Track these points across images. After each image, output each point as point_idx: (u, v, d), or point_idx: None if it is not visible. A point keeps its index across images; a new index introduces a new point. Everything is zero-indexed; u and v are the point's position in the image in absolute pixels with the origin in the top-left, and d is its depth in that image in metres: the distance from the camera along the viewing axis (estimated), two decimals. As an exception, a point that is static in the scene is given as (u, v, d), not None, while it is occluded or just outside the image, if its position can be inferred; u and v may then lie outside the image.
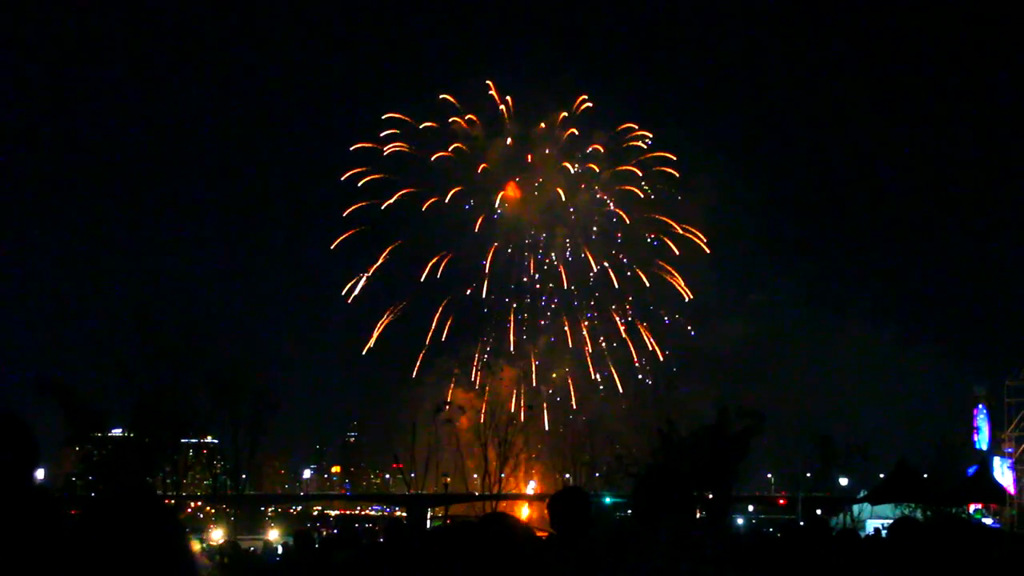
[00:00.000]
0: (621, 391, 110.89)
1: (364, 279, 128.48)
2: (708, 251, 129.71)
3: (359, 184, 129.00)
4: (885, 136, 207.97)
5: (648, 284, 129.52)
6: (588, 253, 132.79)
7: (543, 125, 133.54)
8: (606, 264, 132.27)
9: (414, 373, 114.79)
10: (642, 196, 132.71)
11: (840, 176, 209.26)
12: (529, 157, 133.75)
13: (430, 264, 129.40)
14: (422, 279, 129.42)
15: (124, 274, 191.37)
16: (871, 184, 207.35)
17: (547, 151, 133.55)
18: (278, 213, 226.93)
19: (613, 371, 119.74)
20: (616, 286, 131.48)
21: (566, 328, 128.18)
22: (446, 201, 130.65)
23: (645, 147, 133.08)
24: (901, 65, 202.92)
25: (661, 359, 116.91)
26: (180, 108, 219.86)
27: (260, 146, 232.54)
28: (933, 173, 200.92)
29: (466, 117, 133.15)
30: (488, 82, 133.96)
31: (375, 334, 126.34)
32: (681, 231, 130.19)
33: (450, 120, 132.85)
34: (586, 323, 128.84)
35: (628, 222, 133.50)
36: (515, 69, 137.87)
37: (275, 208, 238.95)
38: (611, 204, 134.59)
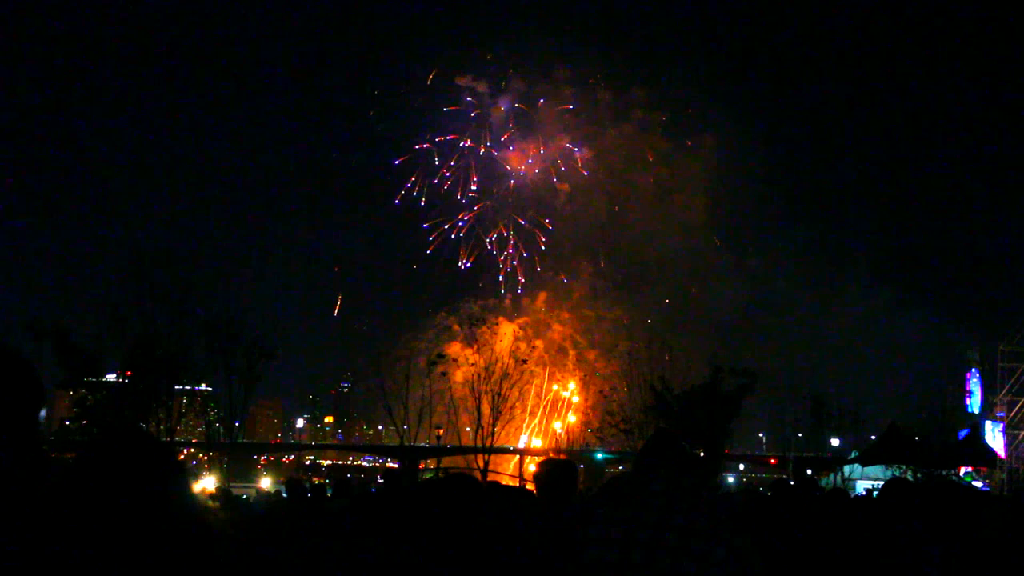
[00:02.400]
0: (616, 347, 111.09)
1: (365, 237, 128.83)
2: (718, 243, 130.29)
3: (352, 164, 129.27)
4: (883, 101, 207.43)
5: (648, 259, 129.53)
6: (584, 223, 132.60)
7: (542, 102, 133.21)
8: (602, 246, 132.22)
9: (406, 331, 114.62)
10: (651, 180, 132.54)
11: (837, 140, 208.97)
12: (532, 146, 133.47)
13: (426, 225, 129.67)
14: (420, 233, 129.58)
15: (120, 218, 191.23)
16: (868, 148, 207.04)
17: (549, 128, 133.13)
18: (276, 158, 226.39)
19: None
20: (616, 257, 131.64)
21: (564, 281, 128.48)
22: (447, 168, 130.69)
23: (660, 130, 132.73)
24: (898, 28, 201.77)
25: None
26: (179, 61, 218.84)
27: (260, 100, 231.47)
28: (929, 140, 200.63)
29: (466, 98, 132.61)
30: (488, 56, 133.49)
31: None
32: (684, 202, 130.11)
33: (453, 105, 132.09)
34: (581, 281, 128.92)
35: (631, 197, 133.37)
36: (517, 44, 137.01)
37: (273, 153, 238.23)
38: (613, 179, 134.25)
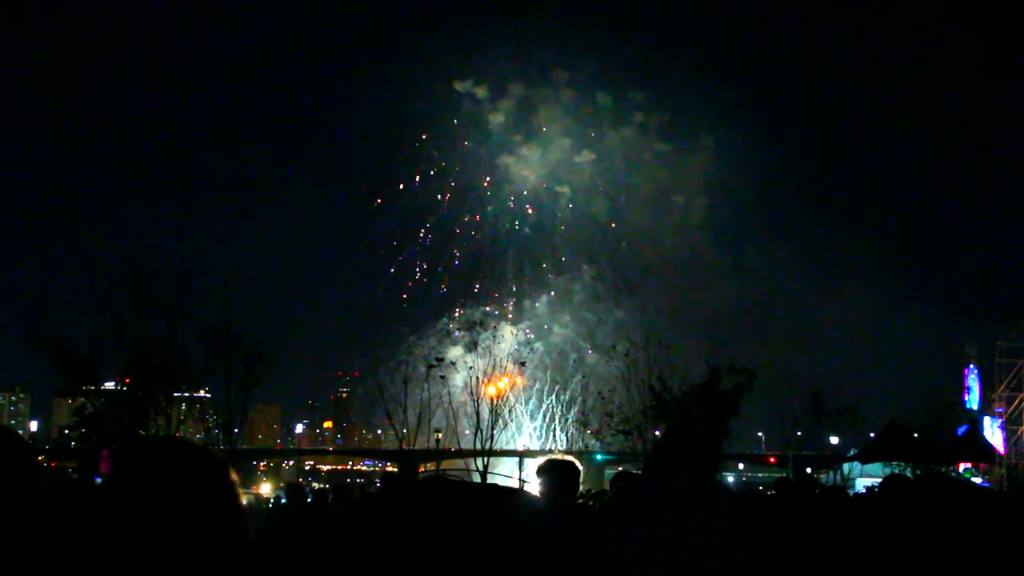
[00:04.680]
0: (615, 348, 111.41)
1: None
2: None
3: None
4: (879, 100, 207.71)
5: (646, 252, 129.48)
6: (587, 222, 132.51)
7: (542, 115, 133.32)
8: (603, 248, 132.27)
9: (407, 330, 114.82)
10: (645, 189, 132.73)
11: (836, 139, 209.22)
12: (527, 149, 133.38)
13: (428, 225, 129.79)
14: (421, 239, 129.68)
15: (117, 224, 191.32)
16: (866, 147, 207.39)
17: (547, 135, 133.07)
18: (275, 166, 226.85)
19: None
20: (614, 255, 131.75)
21: (563, 285, 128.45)
22: (453, 171, 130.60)
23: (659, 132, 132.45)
24: (895, 26, 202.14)
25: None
26: (178, 72, 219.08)
27: (259, 106, 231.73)
28: (927, 138, 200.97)
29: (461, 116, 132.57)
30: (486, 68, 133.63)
31: None
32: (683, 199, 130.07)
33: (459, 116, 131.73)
34: (582, 284, 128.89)
35: (626, 200, 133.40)
36: (515, 49, 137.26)
37: (272, 161, 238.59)
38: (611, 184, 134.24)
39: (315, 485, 79.55)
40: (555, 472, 6.89)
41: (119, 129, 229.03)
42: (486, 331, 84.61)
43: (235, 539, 3.09)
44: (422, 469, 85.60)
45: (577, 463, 7.18)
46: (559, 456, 7.31)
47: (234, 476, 3.19)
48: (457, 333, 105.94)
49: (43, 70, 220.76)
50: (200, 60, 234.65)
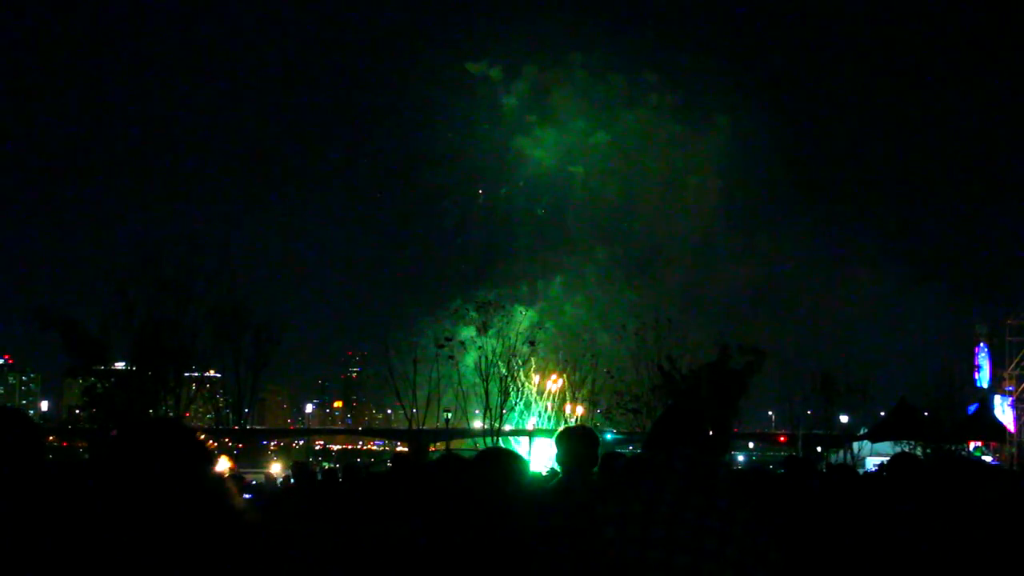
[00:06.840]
0: (624, 328, 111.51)
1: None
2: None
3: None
4: (894, 83, 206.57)
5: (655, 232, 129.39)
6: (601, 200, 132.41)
7: (556, 96, 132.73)
8: (617, 229, 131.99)
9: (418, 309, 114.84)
10: (656, 167, 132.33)
11: (846, 119, 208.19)
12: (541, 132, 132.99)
13: (441, 206, 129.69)
14: (433, 219, 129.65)
15: (126, 206, 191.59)
16: (877, 126, 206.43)
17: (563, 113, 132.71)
18: (286, 147, 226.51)
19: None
20: (624, 233, 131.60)
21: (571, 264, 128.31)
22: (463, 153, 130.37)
23: (673, 113, 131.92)
24: (909, 9, 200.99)
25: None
26: (184, 51, 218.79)
27: (269, 88, 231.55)
28: (938, 116, 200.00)
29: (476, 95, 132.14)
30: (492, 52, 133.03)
31: None
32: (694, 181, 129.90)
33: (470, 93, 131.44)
34: (595, 265, 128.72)
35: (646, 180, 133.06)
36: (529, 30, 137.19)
37: (283, 143, 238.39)
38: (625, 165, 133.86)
39: (325, 465, 79.89)
40: (570, 441, 6.65)
41: (129, 110, 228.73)
42: (498, 312, 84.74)
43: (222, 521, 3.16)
44: (432, 449, 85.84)
45: (595, 432, 6.99)
46: (575, 425, 7.18)
47: (210, 453, 3.29)
48: (469, 314, 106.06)
49: (50, 50, 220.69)
50: (210, 43, 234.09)
